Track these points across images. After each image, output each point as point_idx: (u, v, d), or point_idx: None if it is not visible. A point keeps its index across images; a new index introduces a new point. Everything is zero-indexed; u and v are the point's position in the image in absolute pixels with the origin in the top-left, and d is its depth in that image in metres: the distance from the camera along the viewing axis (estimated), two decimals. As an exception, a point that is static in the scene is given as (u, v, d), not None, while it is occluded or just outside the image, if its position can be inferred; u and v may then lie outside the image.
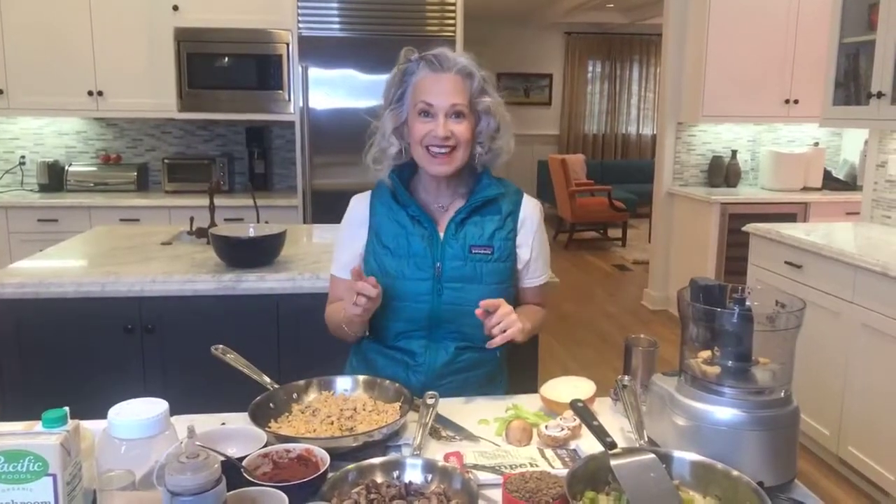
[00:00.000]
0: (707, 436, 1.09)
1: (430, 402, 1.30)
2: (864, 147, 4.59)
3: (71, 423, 0.94)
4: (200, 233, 2.77)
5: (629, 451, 1.06)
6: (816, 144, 5.17)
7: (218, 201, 3.11)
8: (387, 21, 3.92)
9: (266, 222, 3.22)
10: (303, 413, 1.33)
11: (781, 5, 4.73)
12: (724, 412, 1.09)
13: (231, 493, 0.92)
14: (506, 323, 1.41)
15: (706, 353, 1.16)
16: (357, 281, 1.41)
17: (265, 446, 1.14)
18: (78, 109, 4.27)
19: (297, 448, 1.12)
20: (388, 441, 1.25)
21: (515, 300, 1.61)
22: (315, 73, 3.91)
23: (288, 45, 4.11)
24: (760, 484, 1.00)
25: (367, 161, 1.59)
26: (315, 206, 4.04)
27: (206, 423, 1.26)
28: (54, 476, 0.88)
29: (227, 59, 4.16)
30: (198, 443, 0.93)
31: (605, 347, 4.63)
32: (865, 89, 3.25)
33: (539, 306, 1.68)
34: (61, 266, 2.43)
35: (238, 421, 1.30)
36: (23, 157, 4.54)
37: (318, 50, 3.90)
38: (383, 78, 1.58)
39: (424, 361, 1.54)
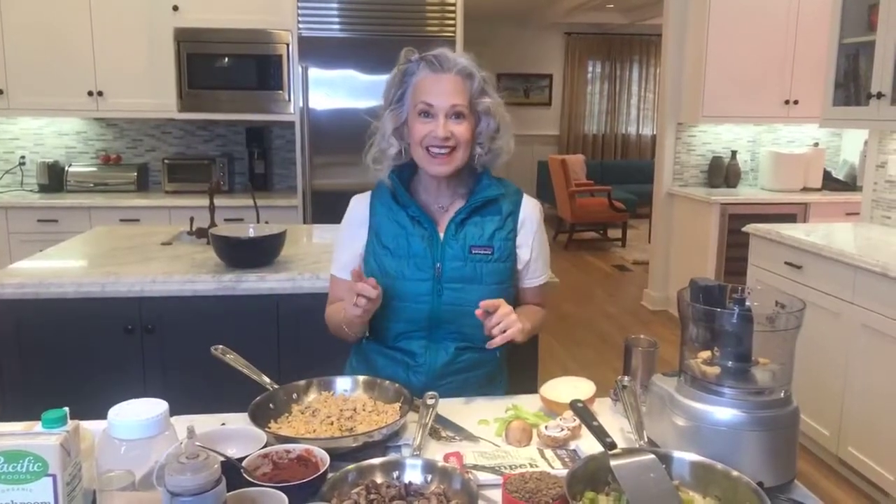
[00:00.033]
0: (707, 436, 1.09)
1: (429, 402, 1.30)
2: (863, 147, 4.59)
3: (71, 423, 0.94)
4: (200, 233, 2.77)
5: (629, 452, 1.06)
6: (816, 145, 5.17)
7: (218, 201, 3.11)
8: (387, 21, 3.92)
9: (266, 222, 3.22)
10: (303, 413, 1.33)
11: (781, 6, 4.73)
12: (723, 412, 1.09)
13: (231, 493, 0.92)
14: (505, 323, 1.41)
15: (706, 354, 1.16)
16: (357, 282, 1.41)
17: (265, 447, 1.14)
18: (78, 110, 4.27)
19: (297, 448, 1.12)
20: (387, 441, 1.25)
21: (515, 300, 1.61)
22: (315, 73, 3.91)
23: (288, 45, 4.11)
24: (760, 484, 1.00)
25: (367, 161, 1.59)
26: (315, 206, 4.04)
27: (205, 423, 1.26)
28: (54, 476, 0.88)
29: (227, 59, 4.16)
30: (198, 443, 0.93)
31: (605, 348, 4.63)
32: (865, 90, 3.25)
33: (539, 306, 1.68)
34: (61, 266, 2.43)
35: (238, 421, 1.30)
36: (23, 157, 4.54)
37: (318, 50, 3.90)
38: (383, 78, 1.58)
39: (424, 362, 1.54)
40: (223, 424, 1.29)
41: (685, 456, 1.08)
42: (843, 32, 3.39)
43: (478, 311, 1.42)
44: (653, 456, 1.04)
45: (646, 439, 1.16)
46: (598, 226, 8.47)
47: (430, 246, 1.52)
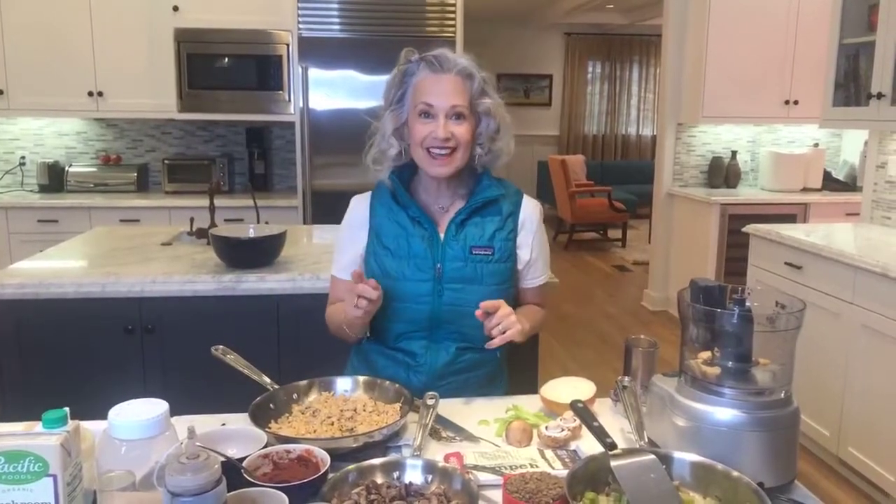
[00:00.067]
0: (707, 437, 1.09)
1: (430, 402, 1.30)
2: (863, 148, 4.59)
3: (71, 423, 0.94)
4: (200, 233, 2.77)
5: (629, 452, 1.06)
6: (816, 145, 5.17)
7: (218, 202, 3.11)
8: (387, 22, 3.92)
9: (266, 223, 3.22)
10: (303, 414, 1.33)
11: (781, 6, 4.73)
12: (724, 413, 1.09)
13: (231, 493, 0.92)
14: (505, 324, 1.42)
15: (706, 354, 1.16)
16: (358, 283, 1.41)
17: (265, 447, 1.14)
18: (78, 110, 4.28)
19: (298, 449, 1.12)
20: (388, 442, 1.25)
21: (515, 301, 1.61)
22: (315, 73, 3.91)
23: (288, 45, 4.11)
24: (760, 485, 1.00)
25: (367, 162, 1.59)
26: (315, 206, 4.04)
27: (206, 423, 1.26)
28: (55, 477, 0.88)
29: (227, 59, 4.16)
30: (198, 443, 0.93)
31: (605, 348, 4.63)
32: (865, 90, 3.25)
33: (538, 306, 1.68)
34: (61, 267, 2.43)
35: (238, 421, 1.30)
36: (23, 157, 4.54)
37: (318, 50, 3.90)
38: (383, 79, 1.58)
39: (425, 362, 1.54)
40: (223, 425, 1.29)
41: (685, 456, 1.08)
42: (843, 33, 3.39)
43: (478, 313, 1.42)
44: (653, 456, 1.04)
45: (646, 440, 1.16)
46: (598, 226, 8.47)
47: (431, 246, 1.52)
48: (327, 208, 3.93)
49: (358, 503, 1.01)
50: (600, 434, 1.10)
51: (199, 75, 4.12)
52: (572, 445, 1.26)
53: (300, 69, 3.88)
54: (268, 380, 1.40)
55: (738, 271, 3.94)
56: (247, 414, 1.28)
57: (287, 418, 1.32)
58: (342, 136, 3.85)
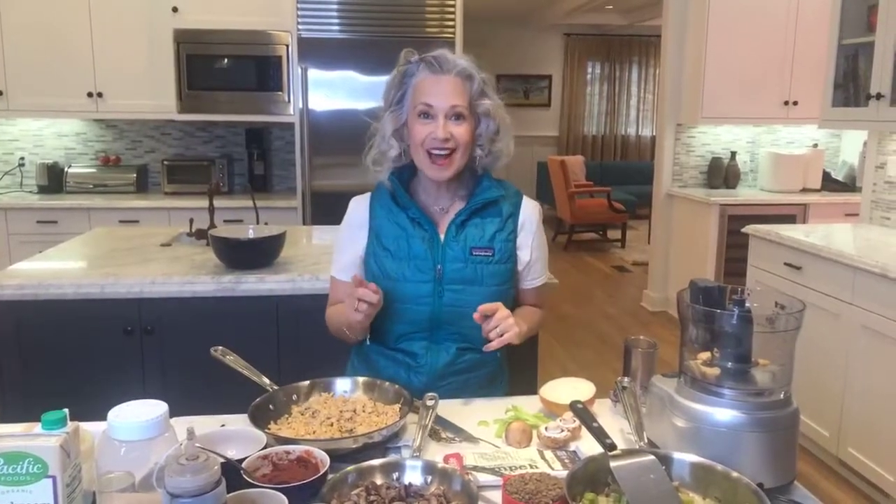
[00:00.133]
0: (707, 437, 1.09)
1: (429, 403, 1.30)
2: (863, 148, 4.59)
3: (70, 424, 0.94)
4: (200, 234, 2.77)
5: (629, 453, 1.06)
6: (815, 146, 5.17)
7: (217, 203, 3.10)
8: (386, 22, 3.92)
9: (265, 224, 3.22)
10: (302, 415, 1.33)
11: (781, 6, 4.74)
12: (723, 414, 1.09)
13: (231, 494, 0.92)
14: (503, 327, 1.42)
15: (706, 355, 1.16)
16: (358, 287, 1.41)
17: (265, 448, 1.14)
18: (77, 111, 4.28)
19: (297, 450, 1.12)
20: (387, 443, 1.25)
21: (515, 302, 1.61)
22: (315, 74, 3.91)
23: (287, 46, 4.11)
24: (760, 485, 1.00)
25: (367, 163, 1.59)
26: (315, 207, 4.04)
27: (205, 424, 1.26)
28: (54, 478, 0.88)
29: (226, 60, 4.16)
30: (197, 444, 0.93)
31: (605, 349, 4.63)
32: (864, 91, 3.25)
33: (537, 307, 1.68)
34: (61, 268, 2.43)
35: (238, 422, 1.30)
36: (22, 158, 4.54)
37: (317, 51, 3.90)
38: (383, 79, 1.58)
39: (426, 363, 1.54)
40: (223, 426, 1.28)
41: (685, 457, 1.08)
42: (843, 33, 3.39)
43: (476, 315, 1.42)
44: (653, 457, 1.04)
45: (646, 440, 1.16)
46: (597, 227, 8.47)
47: (431, 248, 1.52)
48: (327, 209, 3.93)
49: (357, 504, 1.01)
50: (600, 435, 1.10)
51: (198, 76, 4.12)
52: (572, 446, 1.26)
53: (300, 70, 3.88)
54: (267, 381, 1.40)
55: (738, 272, 3.94)
56: (246, 415, 1.27)
57: (286, 419, 1.32)
58: (342, 136, 3.85)
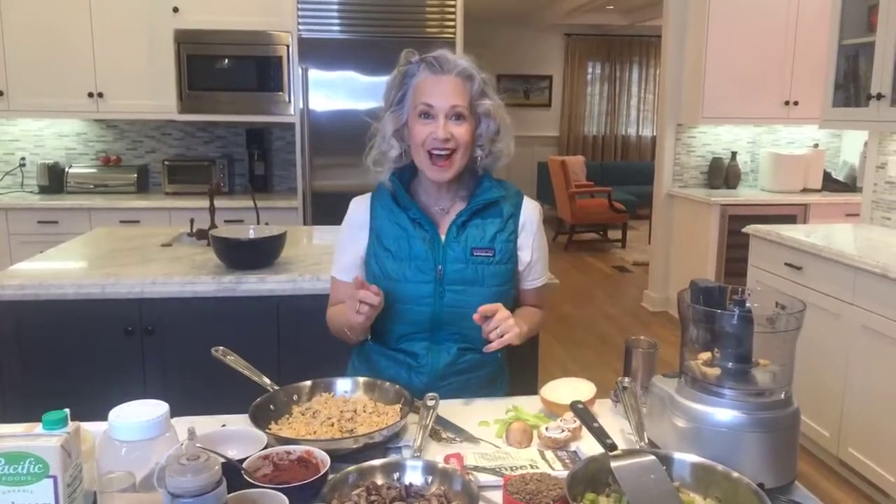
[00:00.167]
0: (707, 437, 1.09)
1: (430, 403, 1.30)
2: (863, 149, 4.59)
3: (71, 424, 0.94)
4: (200, 234, 2.77)
5: (629, 453, 1.06)
6: (816, 146, 5.17)
7: (218, 203, 3.11)
8: (387, 23, 3.92)
9: (266, 224, 3.22)
10: (303, 415, 1.33)
11: (781, 6, 4.74)
12: (724, 414, 1.09)
13: (231, 494, 0.92)
14: (503, 328, 1.42)
15: (706, 355, 1.16)
16: (359, 289, 1.41)
17: (265, 448, 1.14)
18: (78, 111, 4.28)
19: (298, 450, 1.12)
20: (388, 443, 1.25)
21: (515, 302, 1.61)
22: (315, 74, 3.91)
23: (288, 46, 4.11)
24: (761, 486, 1.00)
25: (368, 163, 1.59)
26: (315, 207, 4.04)
27: (206, 424, 1.26)
28: (55, 478, 0.88)
29: (227, 60, 4.16)
30: (198, 444, 0.93)
31: (605, 349, 4.63)
32: (865, 91, 3.25)
33: (537, 308, 1.68)
34: (61, 268, 2.43)
35: (238, 423, 1.30)
36: (23, 158, 4.54)
37: (318, 51, 3.90)
38: (383, 80, 1.58)
39: (427, 363, 1.54)
40: (224, 426, 1.28)
41: (686, 457, 1.08)
42: (843, 33, 3.39)
43: (476, 317, 1.42)
44: (653, 457, 1.04)
45: (646, 440, 1.16)
46: (598, 227, 8.47)
47: (432, 248, 1.52)
48: (327, 209, 3.93)
49: (358, 504, 1.01)
50: (600, 435, 1.10)
51: (199, 76, 4.12)
52: (572, 446, 1.26)
53: (300, 70, 3.88)
54: (268, 381, 1.40)
55: (738, 272, 3.95)
56: (247, 415, 1.27)
57: (287, 419, 1.32)
58: (342, 137, 3.85)
